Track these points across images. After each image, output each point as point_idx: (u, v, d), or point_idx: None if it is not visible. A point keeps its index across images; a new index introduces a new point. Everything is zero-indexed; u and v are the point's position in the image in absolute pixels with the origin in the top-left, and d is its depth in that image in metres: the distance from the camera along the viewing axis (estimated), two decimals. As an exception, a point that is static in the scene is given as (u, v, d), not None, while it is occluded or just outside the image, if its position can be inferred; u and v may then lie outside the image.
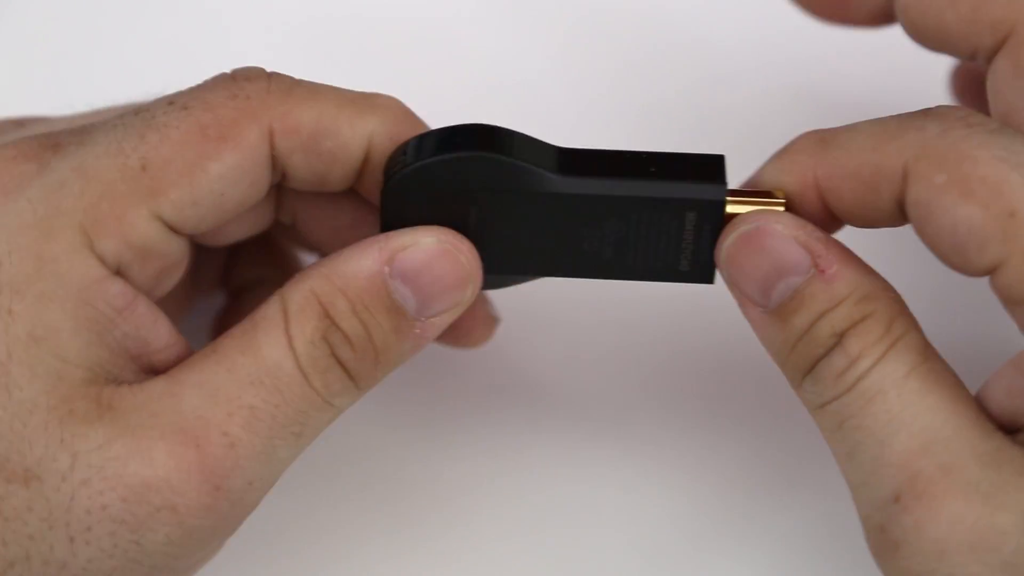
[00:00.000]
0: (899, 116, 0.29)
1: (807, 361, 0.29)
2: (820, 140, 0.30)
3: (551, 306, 0.40)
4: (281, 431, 0.28)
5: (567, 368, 0.39)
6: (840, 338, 0.29)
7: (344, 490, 0.37)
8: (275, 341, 0.28)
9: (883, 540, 0.28)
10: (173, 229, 0.29)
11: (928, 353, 0.29)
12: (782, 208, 0.30)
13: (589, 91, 0.44)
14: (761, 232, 0.30)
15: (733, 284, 0.30)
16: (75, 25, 0.46)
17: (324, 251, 0.35)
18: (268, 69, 0.30)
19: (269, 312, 0.29)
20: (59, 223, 0.28)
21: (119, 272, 0.28)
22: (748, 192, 0.30)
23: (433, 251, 0.29)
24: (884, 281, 0.30)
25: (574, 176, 0.30)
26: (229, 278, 0.38)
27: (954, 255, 0.28)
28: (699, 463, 0.37)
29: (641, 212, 0.30)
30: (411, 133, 0.30)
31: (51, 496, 0.27)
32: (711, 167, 0.30)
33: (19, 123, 0.33)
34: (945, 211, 0.27)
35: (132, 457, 0.27)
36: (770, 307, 0.30)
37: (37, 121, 0.33)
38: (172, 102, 0.29)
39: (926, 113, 0.29)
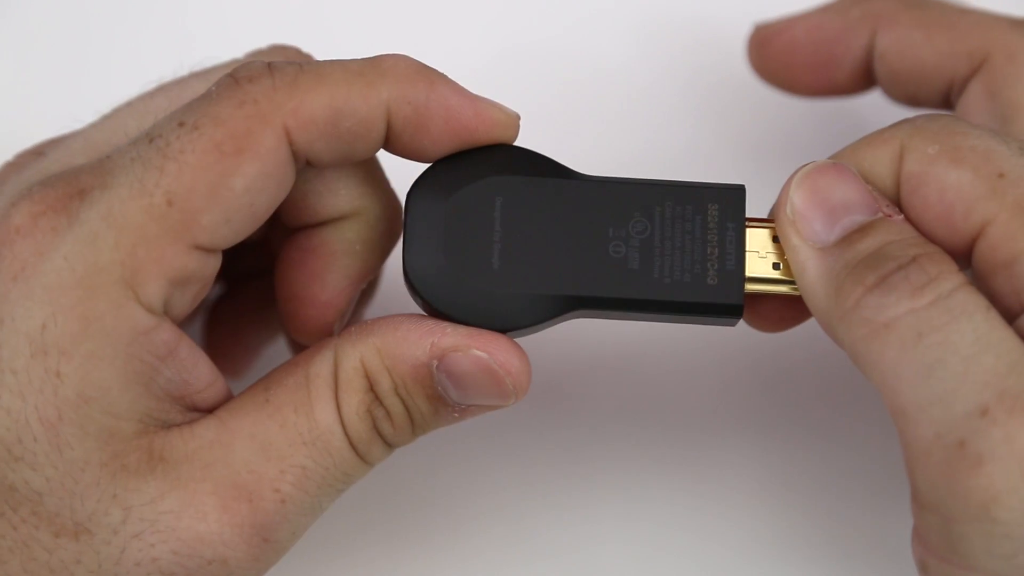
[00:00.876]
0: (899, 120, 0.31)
1: (875, 276, 0.29)
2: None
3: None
4: (328, 489, 0.29)
5: (568, 373, 0.40)
6: (915, 260, 0.29)
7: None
8: (326, 406, 0.29)
9: (962, 456, 0.27)
10: (211, 250, 0.29)
11: (990, 310, 0.28)
12: None
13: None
14: (838, 168, 0.30)
15: (797, 215, 0.30)
16: (75, 25, 0.45)
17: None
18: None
19: (323, 371, 0.29)
20: (100, 280, 0.27)
21: (165, 308, 0.28)
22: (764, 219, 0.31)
23: (480, 366, 0.30)
24: None
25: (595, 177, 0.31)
26: (226, 267, 0.38)
27: (941, 223, 0.29)
28: (701, 468, 0.38)
29: (664, 204, 0.30)
30: (427, 89, 0.29)
31: (101, 549, 0.27)
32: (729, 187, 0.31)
33: (38, 152, 0.32)
34: (936, 177, 0.29)
35: (185, 511, 0.28)
36: (831, 239, 0.30)
37: (54, 145, 0.32)
38: (182, 123, 0.28)
39: (916, 115, 0.30)
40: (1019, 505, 0.26)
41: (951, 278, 0.28)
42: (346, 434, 0.29)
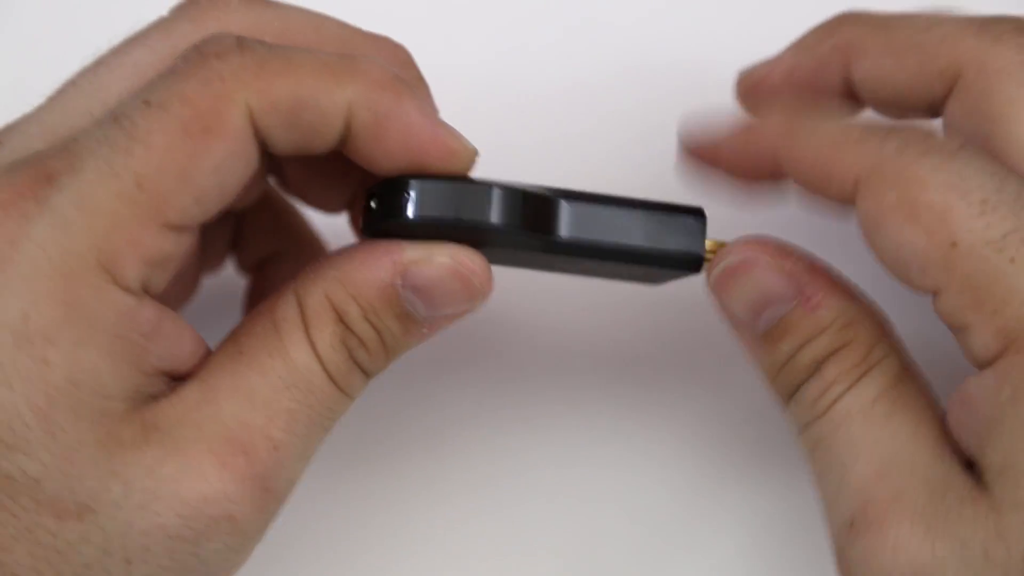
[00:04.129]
0: (867, 122, 0.30)
1: (790, 386, 0.31)
2: (788, 126, 0.31)
3: (545, 299, 0.40)
4: (316, 428, 0.30)
5: (560, 360, 0.40)
6: (820, 365, 0.30)
7: (344, 491, 0.38)
8: (299, 345, 0.29)
9: (841, 565, 0.29)
10: (183, 228, 0.28)
11: (904, 375, 0.30)
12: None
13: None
14: (747, 263, 0.31)
15: (723, 309, 0.32)
16: (75, 25, 0.44)
17: (317, 203, 0.35)
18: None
19: (288, 313, 0.30)
20: (77, 266, 0.27)
21: (144, 287, 0.28)
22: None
23: (446, 270, 0.30)
24: (869, 305, 0.31)
25: (540, 233, 0.30)
26: (244, 257, 0.38)
27: (897, 271, 0.29)
28: (695, 451, 0.39)
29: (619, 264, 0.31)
30: (392, 101, 0.29)
31: (106, 525, 0.27)
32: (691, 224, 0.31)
33: None
34: (891, 231, 0.28)
35: (185, 474, 0.28)
36: (758, 333, 0.31)
37: (9, 133, 0.31)
38: (148, 102, 0.27)
39: (891, 129, 0.29)
40: None
41: (846, 378, 0.30)
42: (324, 369, 0.30)
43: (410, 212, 0.29)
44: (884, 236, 0.28)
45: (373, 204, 0.30)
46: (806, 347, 0.30)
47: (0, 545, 0.27)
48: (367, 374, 0.31)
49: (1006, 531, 0.26)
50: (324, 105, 0.28)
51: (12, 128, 0.31)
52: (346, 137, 0.29)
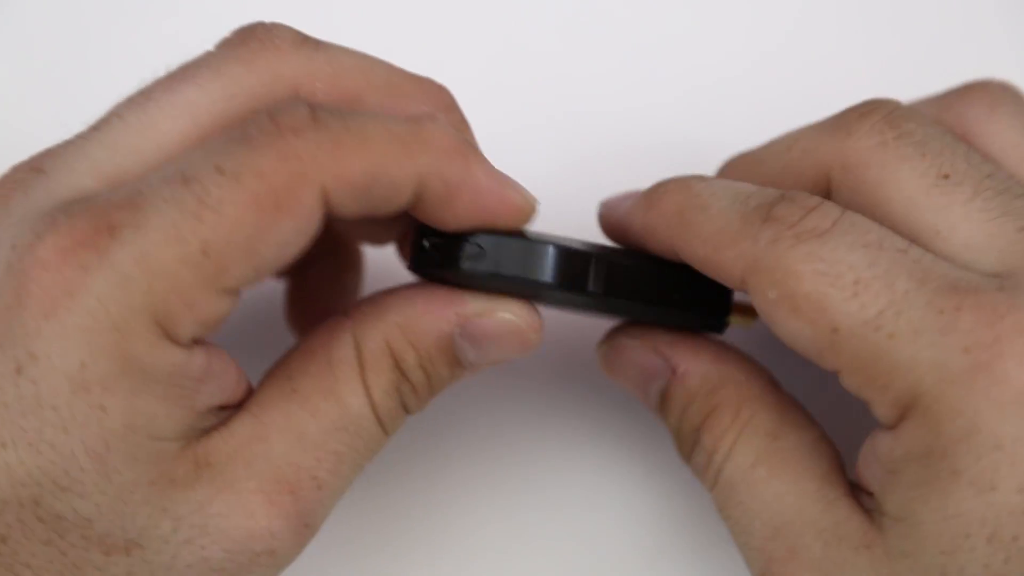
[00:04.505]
0: (745, 210, 0.30)
1: (684, 455, 0.32)
2: (678, 217, 0.31)
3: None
4: (357, 469, 0.31)
5: (561, 361, 0.40)
6: (698, 434, 0.31)
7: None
8: (354, 389, 0.30)
9: None
10: (238, 291, 0.28)
11: (780, 431, 0.31)
12: None
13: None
14: (617, 348, 0.33)
15: (622, 389, 0.33)
16: (75, 25, 0.44)
17: (366, 239, 0.36)
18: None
19: (345, 355, 0.30)
20: (134, 323, 0.27)
21: (195, 340, 0.28)
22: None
23: (507, 326, 0.31)
24: (738, 363, 0.32)
25: (582, 292, 0.31)
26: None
27: (804, 356, 0.29)
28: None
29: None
30: (462, 169, 0.29)
31: (152, 559, 0.28)
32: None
33: (36, 169, 0.30)
34: (780, 323, 0.29)
35: (233, 511, 0.28)
36: (652, 409, 0.33)
37: (54, 162, 0.30)
38: (221, 169, 0.27)
39: (767, 217, 0.29)
40: None
41: (723, 443, 0.31)
42: (375, 414, 0.30)
43: (471, 266, 0.30)
44: (777, 327, 0.29)
45: (426, 244, 0.30)
46: (685, 416, 0.32)
47: None
48: (409, 414, 0.31)
49: None
50: (396, 179, 0.29)
51: (55, 157, 0.30)
52: (414, 202, 0.29)
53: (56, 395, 0.27)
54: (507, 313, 0.31)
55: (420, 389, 0.31)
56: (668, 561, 0.37)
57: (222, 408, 0.29)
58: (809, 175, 0.32)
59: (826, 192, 0.32)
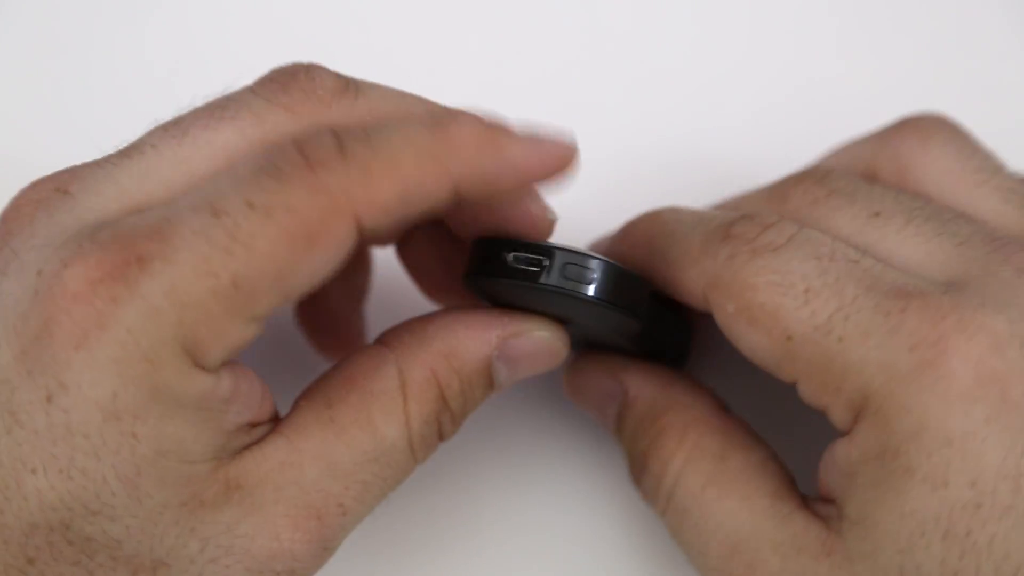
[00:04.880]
0: (707, 231, 0.31)
1: (635, 481, 0.33)
2: (648, 242, 0.32)
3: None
4: (382, 496, 0.31)
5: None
6: (645, 459, 0.32)
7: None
8: (393, 420, 0.30)
9: None
10: (267, 317, 0.29)
11: (727, 452, 0.31)
12: None
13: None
14: (580, 373, 0.34)
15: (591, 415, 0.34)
16: (75, 25, 0.43)
17: (374, 242, 0.36)
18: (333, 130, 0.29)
19: (388, 386, 0.30)
20: (164, 354, 0.27)
21: (222, 363, 0.28)
22: None
23: (543, 346, 0.32)
24: (684, 388, 0.33)
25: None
26: None
27: (763, 368, 0.30)
28: None
29: None
30: (494, 165, 0.29)
31: None
32: None
33: (61, 189, 0.29)
34: (739, 336, 0.30)
35: (259, 533, 0.29)
36: (612, 432, 0.34)
37: (79, 184, 0.30)
38: (252, 204, 0.27)
39: (727, 235, 0.30)
40: None
41: (670, 467, 0.31)
42: (410, 444, 0.30)
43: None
44: (737, 340, 0.30)
45: (510, 257, 0.30)
46: (633, 440, 0.33)
47: None
48: (442, 441, 0.32)
49: None
50: (430, 191, 0.28)
51: (81, 180, 0.29)
52: (456, 203, 0.29)
53: (87, 424, 0.27)
54: (543, 332, 0.32)
55: (457, 415, 0.31)
56: (667, 560, 0.38)
57: (251, 426, 0.30)
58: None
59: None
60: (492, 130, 0.29)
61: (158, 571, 0.28)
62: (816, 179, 0.33)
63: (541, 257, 0.30)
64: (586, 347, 0.35)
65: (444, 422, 0.31)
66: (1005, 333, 0.27)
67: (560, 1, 0.45)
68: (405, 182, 0.28)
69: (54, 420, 0.27)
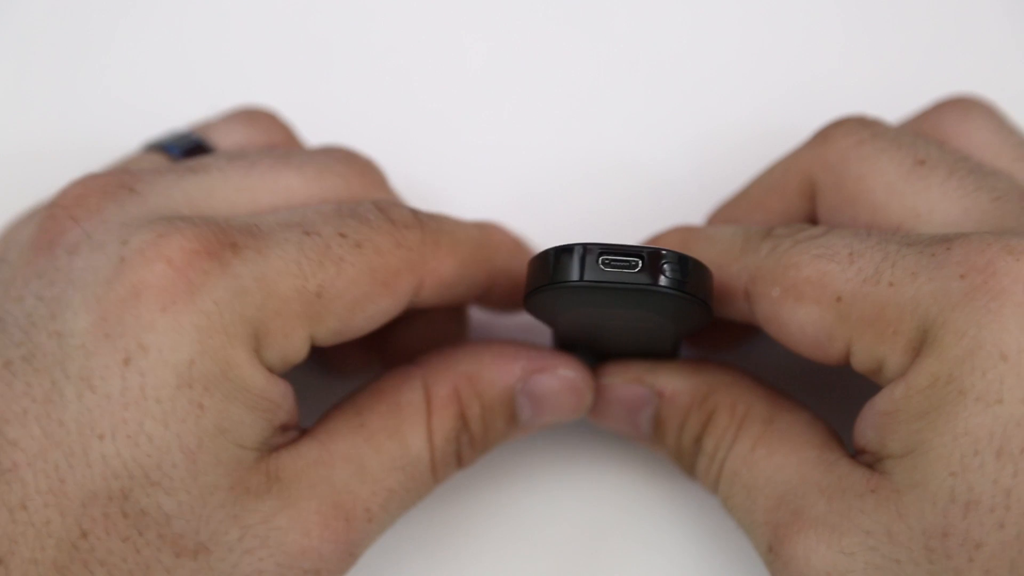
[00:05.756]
0: (747, 233, 0.32)
1: (689, 466, 0.33)
2: (683, 244, 0.32)
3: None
4: (403, 509, 0.32)
5: None
6: (699, 443, 0.32)
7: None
8: (418, 432, 0.32)
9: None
10: (314, 344, 0.31)
11: (773, 415, 0.32)
12: None
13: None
14: (599, 391, 0.34)
15: (616, 431, 0.34)
16: (75, 25, 0.44)
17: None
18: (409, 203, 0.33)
19: (414, 399, 0.32)
20: (241, 332, 0.28)
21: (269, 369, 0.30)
22: None
23: (567, 385, 0.33)
24: (718, 369, 0.33)
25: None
26: None
27: (814, 352, 0.30)
28: None
29: None
30: (518, 262, 0.33)
31: (216, 565, 0.29)
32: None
33: (127, 187, 0.31)
34: (787, 319, 0.30)
35: (292, 527, 0.30)
36: (647, 437, 0.34)
37: (146, 184, 0.31)
38: (344, 235, 0.30)
39: (766, 234, 0.31)
40: None
41: (723, 442, 0.32)
42: (432, 459, 0.32)
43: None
44: (785, 327, 0.30)
45: (602, 262, 0.29)
46: (683, 432, 0.33)
47: None
48: (460, 467, 0.33)
49: (906, 510, 0.28)
50: (476, 277, 0.33)
51: (147, 183, 0.31)
52: (483, 295, 0.33)
53: (161, 388, 0.28)
54: (568, 371, 0.33)
55: (477, 441, 0.33)
56: (666, 559, 0.37)
57: (284, 428, 0.31)
58: (793, 185, 0.34)
59: (811, 198, 0.33)
60: (519, 239, 0.34)
61: (199, 556, 0.29)
62: (858, 120, 0.33)
63: (631, 258, 0.29)
64: (593, 363, 0.34)
65: (463, 444, 0.32)
66: None
67: (560, 1, 0.46)
68: (464, 263, 0.32)
69: (129, 383, 0.28)
